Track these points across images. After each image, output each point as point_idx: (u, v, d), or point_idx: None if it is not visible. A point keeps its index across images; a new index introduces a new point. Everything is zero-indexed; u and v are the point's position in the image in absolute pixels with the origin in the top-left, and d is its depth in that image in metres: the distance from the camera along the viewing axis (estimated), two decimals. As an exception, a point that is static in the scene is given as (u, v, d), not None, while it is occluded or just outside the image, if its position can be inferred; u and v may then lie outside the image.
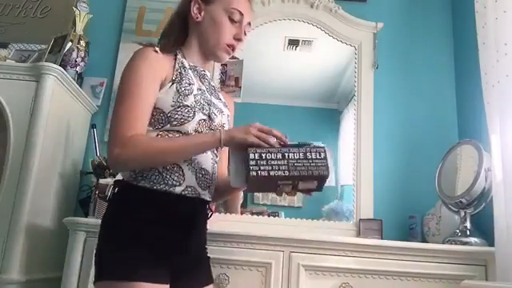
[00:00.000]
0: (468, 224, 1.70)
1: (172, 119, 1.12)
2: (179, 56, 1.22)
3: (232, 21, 1.22)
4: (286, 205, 2.12)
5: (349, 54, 2.25)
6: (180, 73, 1.17)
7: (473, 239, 1.64)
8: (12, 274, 1.57)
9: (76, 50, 2.04)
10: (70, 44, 2.01)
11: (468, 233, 1.68)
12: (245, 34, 1.26)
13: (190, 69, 1.23)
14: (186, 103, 1.13)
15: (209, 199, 1.22)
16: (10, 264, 1.57)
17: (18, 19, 2.27)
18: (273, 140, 1.07)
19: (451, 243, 1.64)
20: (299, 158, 1.05)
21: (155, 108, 1.12)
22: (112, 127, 1.09)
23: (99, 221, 1.62)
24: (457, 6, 2.30)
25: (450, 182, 1.81)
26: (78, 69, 2.06)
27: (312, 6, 2.26)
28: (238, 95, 2.20)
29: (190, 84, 1.17)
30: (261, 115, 2.23)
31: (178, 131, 1.13)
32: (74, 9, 2.13)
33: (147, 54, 1.14)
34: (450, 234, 1.74)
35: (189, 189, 1.14)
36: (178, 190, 1.12)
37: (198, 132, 1.16)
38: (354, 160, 2.08)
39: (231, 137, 1.08)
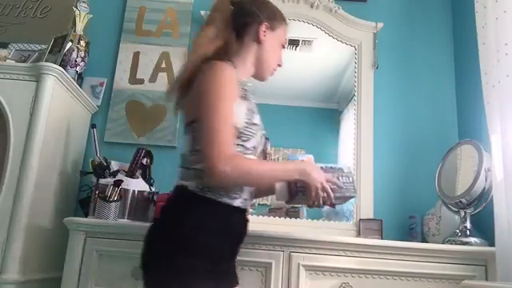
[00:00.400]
0: (468, 224, 1.70)
1: (242, 135, 1.17)
2: (238, 71, 1.23)
3: (282, 48, 1.36)
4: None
5: (349, 54, 2.25)
6: (243, 89, 1.22)
7: (473, 239, 1.64)
8: (12, 274, 1.57)
9: (76, 50, 2.04)
10: (70, 44, 2.01)
11: (468, 233, 1.68)
12: None
13: (248, 86, 1.27)
14: (254, 121, 1.20)
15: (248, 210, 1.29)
16: (9, 264, 1.57)
17: (18, 19, 2.27)
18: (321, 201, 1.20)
19: (451, 243, 1.64)
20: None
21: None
22: (210, 142, 1.08)
23: (99, 221, 1.63)
24: (457, 6, 2.30)
25: (450, 182, 1.81)
26: (78, 69, 2.06)
27: (312, 6, 2.26)
28: (238, 95, 2.19)
29: (252, 102, 1.24)
30: (261, 115, 2.24)
31: (243, 146, 1.18)
32: (74, 9, 2.13)
33: (230, 71, 1.16)
34: (450, 234, 1.74)
35: (244, 201, 1.21)
36: (236, 202, 1.18)
37: (255, 147, 1.22)
38: (354, 160, 2.08)
39: (307, 174, 1.17)
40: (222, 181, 1.09)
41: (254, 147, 1.22)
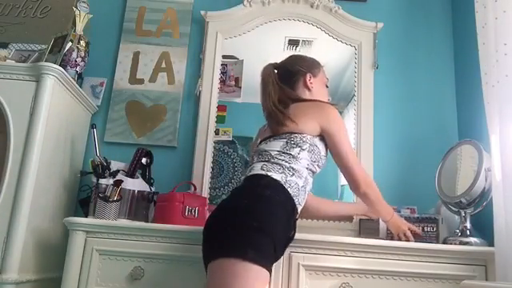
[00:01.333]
0: (468, 224, 1.70)
1: (319, 160, 1.51)
2: None
3: (326, 87, 1.71)
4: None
5: (349, 54, 2.25)
6: None
7: (473, 239, 1.64)
8: (12, 274, 1.57)
9: (76, 50, 2.04)
10: (70, 44, 2.01)
11: (468, 233, 1.68)
12: None
13: None
14: (324, 154, 1.54)
15: None
16: (9, 264, 1.57)
17: (18, 19, 2.27)
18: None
19: (451, 243, 1.64)
20: None
21: (317, 147, 1.49)
22: (353, 167, 1.51)
23: (99, 221, 1.63)
24: (457, 6, 2.30)
25: (450, 182, 1.81)
26: (77, 69, 2.06)
27: (312, 6, 2.26)
28: (238, 95, 2.20)
29: None
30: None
31: (315, 168, 1.51)
32: (74, 9, 2.13)
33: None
34: (450, 234, 1.74)
35: (299, 211, 1.45)
36: (299, 208, 1.43)
37: (314, 173, 1.53)
38: (353, 160, 2.08)
39: (397, 226, 1.62)
40: (365, 197, 1.54)
41: (314, 173, 1.53)
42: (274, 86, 1.59)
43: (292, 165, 1.41)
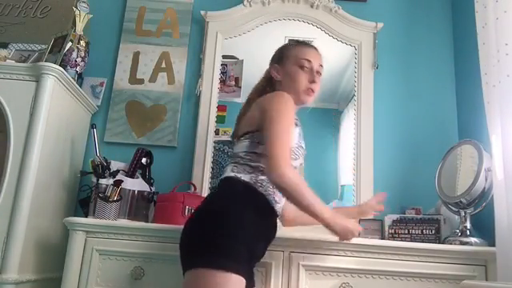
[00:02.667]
0: (468, 224, 1.70)
1: (293, 154, 1.37)
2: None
3: (302, 68, 1.48)
4: (286, 205, 2.11)
5: (349, 54, 2.25)
6: (296, 118, 1.45)
7: (473, 239, 1.64)
8: (12, 274, 1.57)
9: (76, 50, 2.04)
10: (70, 44, 2.01)
11: (468, 233, 1.68)
12: (319, 73, 1.52)
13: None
14: (302, 145, 1.45)
15: None
16: (9, 264, 1.57)
17: (18, 19, 2.27)
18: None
19: (451, 243, 1.64)
20: None
21: None
22: (276, 148, 1.28)
23: (99, 221, 1.63)
24: (457, 6, 2.30)
25: (450, 182, 1.81)
26: (77, 69, 2.06)
27: (312, 6, 2.26)
28: (238, 95, 2.20)
29: (300, 129, 1.46)
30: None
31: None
32: (74, 9, 2.13)
33: (292, 101, 1.39)
34: (450, 233, 1.74)
35: (279, 208, 1.42)
36: (277, 207, 1.40)
37: (296, 168, 1.44)
38: (354, 160, 2.08)
39: (340, 228, 1.38)
40: (277, 178, 1.26)
41: (296, 167, 1.43)
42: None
43: (260, 163, 1.35)
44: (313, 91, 1.48)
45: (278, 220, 1.47)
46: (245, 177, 1.34)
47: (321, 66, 1.53)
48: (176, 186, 1.85)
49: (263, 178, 1.34)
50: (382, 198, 1.72)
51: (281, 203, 1.41)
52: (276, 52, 1.58)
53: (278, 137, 1.29)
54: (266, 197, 1.35)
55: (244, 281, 1.19)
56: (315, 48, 1.55)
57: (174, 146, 2.16)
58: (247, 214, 1.27)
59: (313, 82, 1.48)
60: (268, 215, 1.38)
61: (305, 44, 1.57)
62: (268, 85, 1.54)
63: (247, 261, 1.24)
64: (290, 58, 1.50)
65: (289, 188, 1.27)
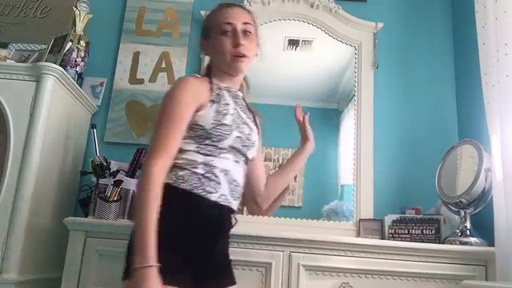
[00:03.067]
0: (468, 224, 1.70)
1: (212, 135, 1.23)
2: (213, 80, 1.34)
3: (225, 34, 1.31)
4: (286, 205, 2.11)
5: (349, 54, 2.25)
6: (218, 94, 1.30)
7: (473, 239, 1.64)
8: (12, 274, 1.57)
9: (76, 50, 2.04)
10: (70, 44, 2.01)
11: (468, 233, 1.68)
12: (247, 33, 1.33)
13: (225, 90, 1.34)
14: (224, 122, 1.25)
15: (235, 209, 1.31)
16: (9, 264, 1.57)
17: (18, 19, 2.27)
18: None
19: (451, 243, 1.64)
20: None
21: (197, 125, 1.23)
22: (151, 141, 1.18)
23: (99, 221, 1.63)
24: (457, 6, 2.30)
25: (450, 182, 1.81)
26: (77, 69, 2.06)
27: (312, 6, 2.26)
28: (238, 95, 2.19)
29: (226, 104, 1.29)
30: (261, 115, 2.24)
31: (215, 146, 1.24)
32: (74, 9, 2.13)
33: (188, 80, 1.29)
34: (450, 233, 1.74)
35: (222, 197, 1.23)
36: (213, 197, 1.21)
37: (233, 147, 1.27)
38: (354, 160, 2.08)
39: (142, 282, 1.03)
40: (144, 169, 1.15)
41: (232, 147, 1.26)
42: None
43: (178, 160, 1.20)
44: (243, 55, 1.31)
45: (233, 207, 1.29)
46: (167, 179, 1.18)
47: (246, 23, 1.34)
48: (176, 186, 1.84)
49: (183, 173, 1.19)
50: (299, 110, 1.61)
51: (222, 190, 1.23)
52: (202, 25, 1.46)
53: (156, 129, 1.19)
54: (193, 191, 1.18)
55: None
56: (238, 5, 1.39)
57: (173, 145, 2.16)
58: (172, 219, 1.13)
59: (237, 45, 1.30)
60: (199, 209, 1.19)
61: (225, 5, 1.38)
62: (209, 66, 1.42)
63: (181, 263, 1.13)
64: (213, 29, 1.35)
65: (140, 185, 1.13)
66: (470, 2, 1.77)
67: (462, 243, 1.62)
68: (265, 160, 2.17)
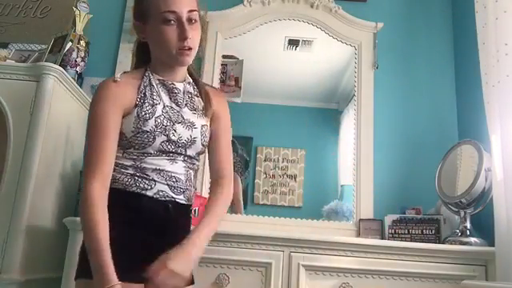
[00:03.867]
0: (468, 224, 1.70)
1: (134, 143, 1.17)
2: (148, 73, 1.24)
3: (169, 23, 1.17)
4: (286, 205, 2.12)
5: (349, 54, 2.25)
6: (144, 94, 1.20)
7: (473, 239, 1.64)
8: (12, 274, 1.56)
9: (76, 50, 2.04)
10: (70, 44, 2.01)
11: (468, 233, 1.68)
12: (192, 21, 1.19)
13: (159, 84, 1.24)
14: (144, 129, 1.17)
15: (186, 202, 1.24)
16: (10, 264, 1.57)
17: (18, 19, 2.27)
18: None
19: (451, 243, 1.64)
20: None
21: (121, 133, 1.17)
22: (86, 160, 1.17)
23: (99, 221, 1.62)
24: (457, 6, 2.30)
25: (450, 181, 1.81)
26: (78, 69, 2.06)
27: (312, 6, 2.26)
28: (238, 95, 2.20)
29: (153, 105, 1.20)
30: (261, 115, 2.23)
31: (140, 152, 1.18)
32: (74, 9, 2.13)
33: (106, 87, 1.19)
34: (450, 233, 1.74)
35: (160, 193, 1.19)
36: (149, 193, 1.17)
37: (162, 152, 1.19)
38: (354, 160, 2.08)
39: None
40: (83, 189, 1.12)
41: (161, 150, 1.19)
42: None
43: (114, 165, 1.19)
44: (189, 48, 1.19)
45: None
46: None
47: (192, 10, 1.19)
48: (176, 186, 1.84)
49: (114, 173, 1.16)
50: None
51: (158, 187, 1.18)
52: (135, 5, 1.29)
53: (87, 144, 1.16)
54: (127, 189, 1.16)
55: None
56: None
57: (173, 145, 2.16)
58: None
59: (184, 38, 1.17)
60: (133, 206, 1.16)
61: None
62: (140, 47, 1.32)
63: (121, 263, 1.07)
64: (151, 14, 1.20)
65: (81, 209, 1.11)
66: (469, 2, 1.77)
67: (462, 243, 1.62)
68: (265, 160, 2.17)
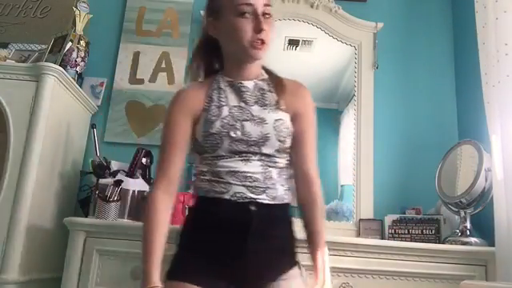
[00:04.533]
0: (468, 224, 1.70)
1: (206, 148, 1.19)
2: (218, 77, 1.25)
3: (243, 16, 1.16)
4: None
5: (349, 54, 2.25)
6: (211, 98, 1.22)
7: (473, 239, 1.64)
8: (12, 274, 1.57)
9: (76, 50, 2.04)
10: (70, 44, 2.01)
11: (468, 233, 1.68)
12: (267, 16, 1.18)
13: (227, 86, 1.24)
14: (212, 131, 1.18)
15: (272, 202, 1.19)
16: (9, 264, 1.57)
17: (18, 19, 2.27)
18: None
19: (451, 243, 1.64)
20: None
21: (194, 138, 1.21)
22: (157, 166, 1.24)
23: (99, 221, 1.64)
24: (457, 6, 2.30)
25: (450, 181, 1.81)
26: (78, 69, 2.06)
27: (312, 6, 2.26)
28: (238, 95, 2.19)
29: (219, 107, 1.21)
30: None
31: (215, 157, 1.19)
32: (74, 9, 2.13)
33: (175, 96, 1.26)
34: (450, 233, 1.74)
35: (237, 194, 1.17)
36: (226, 196, 1.17)
37: (234, 153, 1.18)
38: (354, 160, 2.08)
39: None
40: (147, 202, 1.19)
41: (232, 151, 1.19)
42: None
43: (194, 171, 1.29)
44: (263, 42, 1.18)
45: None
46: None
47: (267, 5, 1.18)
48: (176, 186, 1.84)
49: (197, 182, 1.23)
50: None
51: (235, 189, 1.17)
52: (208, 2, 1.27)
53: (158, 152, 1.24)
54: (208, 195, 1.18)
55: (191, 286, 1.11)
56: None
57: (174, 145, 2.16)
58: (191, 227, 1.21)
59: (259, 30, 1.16)
60: (213, 211, 1.18)
61: None
62: (209, 47, 1.28)
63: (204, 264, 1.14)
64: (226, 8, 1.19)
65: (144, 211, 1.20)
66: (469, 2, 1.77)
67: (462, 243, 1.62)
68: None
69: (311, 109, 1.32)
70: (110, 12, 2.35)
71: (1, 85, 1.74)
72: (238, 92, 1.23)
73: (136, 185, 1.82)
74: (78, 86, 1.99)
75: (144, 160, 1.90)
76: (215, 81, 1.25)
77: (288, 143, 1.22)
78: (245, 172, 1.19)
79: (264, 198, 1.19)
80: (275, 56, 2.33)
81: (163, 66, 2.26)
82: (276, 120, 1.21)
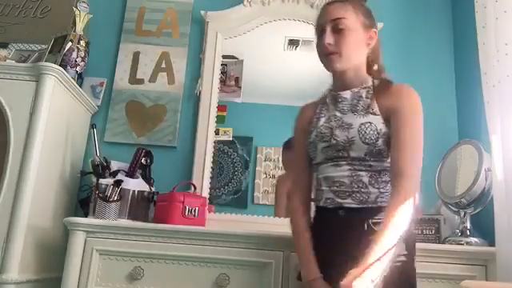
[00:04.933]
0: (468, 224, 1.70)
1: (311, 156, 1.36)
2: (327, 92, 1.41)
3: (319, 37, 1.34)
4: (286, 205, 2.11)
5: (349, 54, 2.24)
6: (315, 113, 1.39)
7: (473, 239, 1.64)
8: (12, 274, 1.56)
9: (76, 50, 2.04)
10: (70, 44, 2.01)
11: (468, 233, 1.68)
12: (338, 29, 1.30)
13: (330, 98, 1.37)
14: (309, 140, 1.34)
15: (358, 205, 1.24)
16: (9, 264, 1.57)
17: (18, 19, 2.27)
18: None
19: (451, 243, 1.64)
20: None
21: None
22: None
23: (99, 221, 1.64)
24: (457, 6, 2.30)
25: (450, 182, 1.81)
26: (78, 69, 2.06)
27: (312, 6, 2.25)
28: (238, 95, 2.20)
29: (318, 118, 1.35)
30: (261, 115, 2.23)
31: (317, 164, 1.34)
32: (74, 9, 2.13)
33: (297, 114, 1.46)
34: (450, 233, 1.74)
35: (328, 200, 1.28)
36: (321, 203, 1.31)
37: (327, 159, 1.30)
38: (354, 160, 2.08)
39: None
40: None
41: (327, 158, 1.31)
42: None
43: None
44: (330, 53, 1.29)
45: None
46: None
47: (336, 19, 1.30)
48: (176, 186, 1.84)
49: (314, 191, 1.39)
50: None
51: (326, 195, 1.28)
52: (366, 12, 1.47)
53: None
54: (316, 205, 1.36)
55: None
56: (331, 2, 1.37)
57: (173, 145, 2.16)
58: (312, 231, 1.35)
59: (322, 44, 1.31)
60: (316, 217, 1.36)
61: (323, 6, 1.39)
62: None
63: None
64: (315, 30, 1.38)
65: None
66: (469, 2, 1.77)
67: (462, 243, 1.62)
68: (265, 160, 2.17)
69: (406, 107, 1.36)
70: (109, 12, 2.35)
71: (1, 85, 1.73)
72: (335, 102, 1.34)
73: (136, 185, 1.82)
74: (78, 86, 1.99)
75: (144, 160, 1.90)
76: (325, 95, 1.40)
77: (381, 145, 1.26)
78: (333, 177, 1.28)
79: (350, 202, 1.25)
80: (275, 56, 2.35)
81: (163, 66, 2.26)
82: (362, 124, 1.26)
